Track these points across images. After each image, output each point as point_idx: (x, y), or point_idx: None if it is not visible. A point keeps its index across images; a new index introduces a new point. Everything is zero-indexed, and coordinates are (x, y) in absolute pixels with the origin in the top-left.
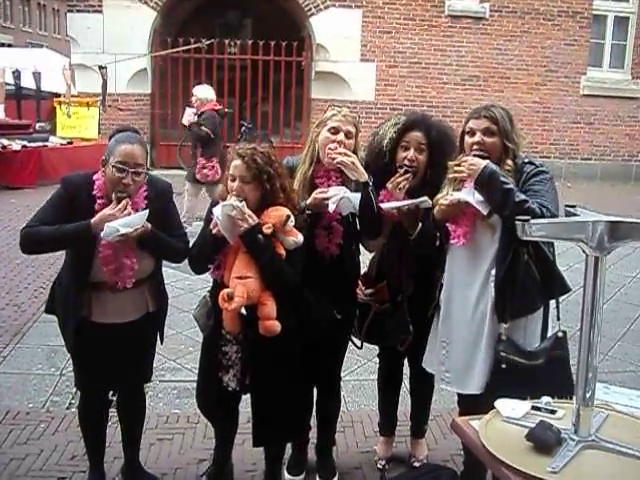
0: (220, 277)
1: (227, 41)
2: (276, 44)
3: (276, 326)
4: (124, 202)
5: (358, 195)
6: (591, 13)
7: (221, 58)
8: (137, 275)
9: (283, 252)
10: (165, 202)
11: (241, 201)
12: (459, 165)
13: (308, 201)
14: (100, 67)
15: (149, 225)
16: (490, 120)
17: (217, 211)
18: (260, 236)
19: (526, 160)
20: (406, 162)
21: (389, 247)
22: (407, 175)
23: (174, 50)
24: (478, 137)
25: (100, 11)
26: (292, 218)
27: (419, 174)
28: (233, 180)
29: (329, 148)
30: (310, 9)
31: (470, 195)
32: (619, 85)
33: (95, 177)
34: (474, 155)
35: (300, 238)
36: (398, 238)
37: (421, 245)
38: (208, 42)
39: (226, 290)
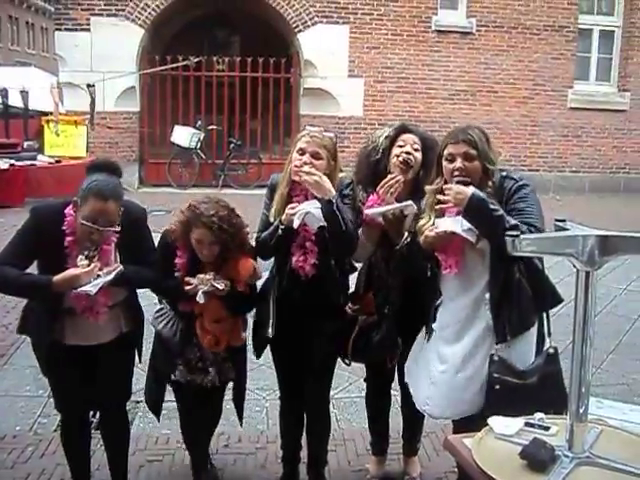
0: (190, 310)
1: (215, 58)
2: (264, 61)
3: (244, 338)
4: (92, 266)
5: None
6: (577, 27)
7: (209, 75)
8: (111, 300)
9: (247, 290)
10: (139, 229)
11: (209, 282)
12: (443, 193)
13: (282, 217)
14: (88, 85)
15: (120, 268)
16: (469, 144)
17: (198, 297)
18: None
19: (504, 174)
20: (403, 154)
21: (377, 257)
22: (398, 178)
23: (162, 68)
24: (459, 163)
25: (88, 29)
26: (257, 267)
27: (412, 174)
28: (200, 244)
29: (295, 166)
30: (297, 26)
31: (456, 224)
32: (606, 98)
33: (67, 211)
34: (457, 182)
35: (260, 274)
36: (387, 247)
37: (407, 260)
38: (196, 59)
39: (212, 337)
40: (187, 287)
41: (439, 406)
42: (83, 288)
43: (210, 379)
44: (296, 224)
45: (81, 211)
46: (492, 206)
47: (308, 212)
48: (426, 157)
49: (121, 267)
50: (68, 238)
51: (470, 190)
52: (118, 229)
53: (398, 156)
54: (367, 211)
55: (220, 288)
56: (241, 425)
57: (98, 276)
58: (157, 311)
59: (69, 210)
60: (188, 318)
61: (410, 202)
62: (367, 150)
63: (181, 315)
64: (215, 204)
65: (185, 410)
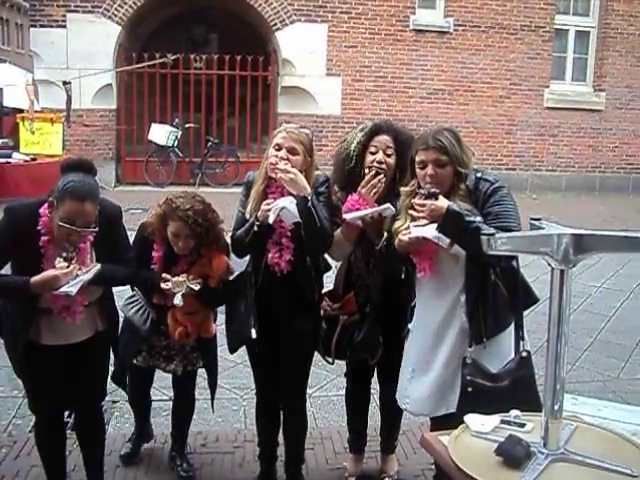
0: (163, 302)
1: (193, 56)
2: (242, 59)
3: (213, 330)
4: (72, 267)
5: None
6: (553, 27)
7: (187, 73)
8: (87, 299)
9: (220, 285)
10: (114, 227)
11: (183, 284)
12: (414, 209)
13: (258, 214)
14: (64, 82)
15: (98, 267)
16: (439, 151)
17: (175, 299)
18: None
19: (479, 175)
20: (375, 164)
21: (357, 255)
22: (379, 177)
23: (139, 65)
24: (431, 170)
25: (64, 26)
26: (230, 263)
27: (388, 177)
28: (176, 237)
29: (270, 163)
30: (276, 24)
31: (429, 230)
32: (582, 97)
33: (41, 211)
34: (425, 197)
35: (233, 271)
36: (366, 245)
37: (387, 259)
38: (173, 57)
39: (183, 329)
40: (163, 285)
41: (418, 404)
42: (63, 289)
43: (173, 368)
44: (271, 219)
45: (58, 212)
46: (468, 218)
47: (283, 207)
48: (401, 157)
49: (98, 266)
50: (43, 238)
51: (444, 205)
52: (96, 229)
53: (370, 168)
54: (346, 215)
55: (195, 289)
56: (213, 411)
57: (77, 275)
58: (128, 298)
59: (44, 210)
60: (160, 308)
61: (388, 205)
62: (341, 156)
63: (153, 305)
64: (191, 199)
65: (133, 385)
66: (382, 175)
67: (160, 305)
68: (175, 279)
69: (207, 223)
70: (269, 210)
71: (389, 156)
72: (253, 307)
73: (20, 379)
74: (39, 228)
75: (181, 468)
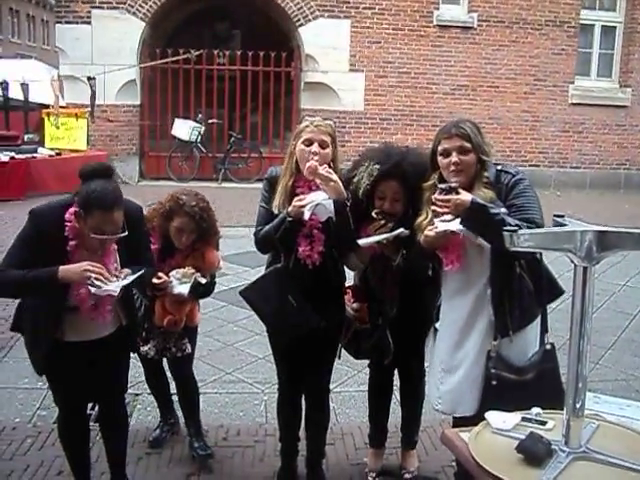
0: (152, 293)
1: (216, 52)
2: (265, 55)
3: (198, 320)
4: (103, 267)
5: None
6: (578, 22)
7: (210, 69)
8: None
9: (209, 278)
10: (137, 227)
11: (191, 276)
12: (437, 205)
13: (289, 209)
14: (89, 78)
15: (132, 272)
16: (463, 138)
17: (183, 289)
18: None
19: (499, 168)
20: (384, 211)
21: (370, 271)
22: (389, 225)
23: (163, 61)
24: (455, 157)
25: (89, 22)
26: (221, 261)
27: (398, 216)
28: (180, 232)
29: (308, 168)
30: (299, 20)
31: (455, 223)
32: (607, 93)
33: (67, 216)
34: (446, 192)
35: (221, 266)
36: (379, 263)
37: (408, 270)
38: (197, 53)
39: (172, 317)
40: (158, 281)
41: (451, 404)
42: (107, 287)
43: (146, 350)
44: (307, 215)
45: (87, 223)
46: (492, 210)
47: (319, 204)
48: (412, 192)
49: (129, 271)
50: (71, 243)
51: (468, 198)
52: (125, 233)
53: (378, 214)
54: (360, 241)
55: (203, 282)
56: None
57: (116, 278)
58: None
59: (69, 215)
60: (151, 297)
61: (402, 229)
62: (351, 195)
63: (145, 294)
64: (195, 196)
65: (145, 370)
66: (391, 223)
67: (151, 295)
68: (182, 270)
69: (210, 220)
70: (303, 206)
71: (397, 201)
72: (294, 300)
73: (39, 375)
74: (66, 234)
75: (199, 447)
